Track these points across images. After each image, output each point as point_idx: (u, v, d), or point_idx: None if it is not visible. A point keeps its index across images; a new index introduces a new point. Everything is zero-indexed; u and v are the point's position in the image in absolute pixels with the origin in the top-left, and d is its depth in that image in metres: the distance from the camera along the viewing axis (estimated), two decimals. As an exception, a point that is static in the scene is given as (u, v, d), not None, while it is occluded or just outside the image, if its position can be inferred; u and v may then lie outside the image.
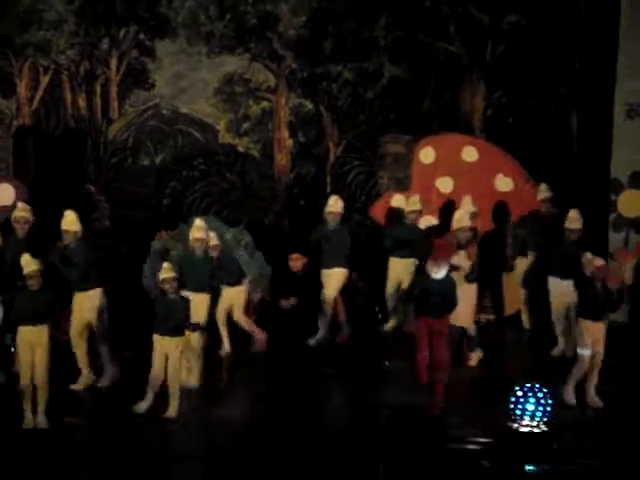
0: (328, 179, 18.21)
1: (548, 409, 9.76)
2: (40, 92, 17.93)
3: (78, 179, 17.41)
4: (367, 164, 18.03)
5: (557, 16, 17.64)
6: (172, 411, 10.68)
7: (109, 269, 13.23)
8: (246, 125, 18.41)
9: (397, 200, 15.54)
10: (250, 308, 14.36)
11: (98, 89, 18.13)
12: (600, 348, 11.09)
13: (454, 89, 18.03)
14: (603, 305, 11.04)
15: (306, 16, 17.96)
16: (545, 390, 9.80)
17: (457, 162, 15.57)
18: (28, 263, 10.67)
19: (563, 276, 13.19)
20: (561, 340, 13.43)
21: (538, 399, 9.76)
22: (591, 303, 10.97)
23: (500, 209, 15.20)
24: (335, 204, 14.25)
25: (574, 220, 13.38)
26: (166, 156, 18.29)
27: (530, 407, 9.73)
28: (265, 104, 18.36)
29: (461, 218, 12.58)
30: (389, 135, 17.09)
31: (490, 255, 13.78)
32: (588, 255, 11.32)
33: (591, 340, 10.98)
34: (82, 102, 18.07)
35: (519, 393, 9.81)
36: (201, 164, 18.18)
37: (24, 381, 10.36)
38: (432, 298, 10.62)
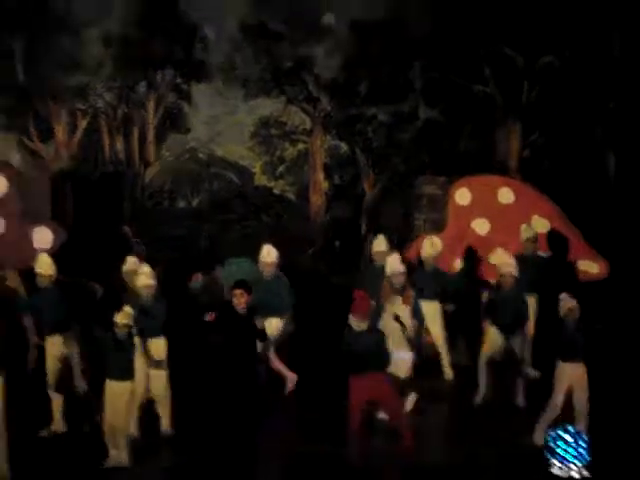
0: (363, 221, 18.19)
1: (582, 452, 9.56)
2: (78, 136, 18.11)
3: (115, 222, 17.51)
4: (402, 205, 18.01)
5: (591, 56, 17.62)
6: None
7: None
8: (282, 167, 18.50)
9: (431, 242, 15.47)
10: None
11: (135, 132, 18.29)
12: (581, 391, 10.74)
13: (489, 130, 18.01)
14: (579, 346, 10.75)
15: (341, 59, 18.06)
16: (576, 432, 9.59)
17: (493, 203, 15.46)
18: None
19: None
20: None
21: (569, 443, 9.57)
22: (567, 344, 10.69)
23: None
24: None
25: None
26: (202, 199, 18.39)
27: (563, 451, 9.55)
28: (301, 146, 18.45)
29: (393, 263, 12.24)
30: (424, 176, 17.07)
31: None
32: (562, 295, 11.11)
33: (568, 384, 10.70)
34: (119, 145, 18.24)
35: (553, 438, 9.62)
36: (237, 206, 18.24)
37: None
38: (359, 354, 10.03)
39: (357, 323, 10.07)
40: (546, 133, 18.02)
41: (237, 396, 10.54)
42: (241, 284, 10.85)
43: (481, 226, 15.31)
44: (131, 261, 12.53)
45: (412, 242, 16.55)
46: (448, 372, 13.51)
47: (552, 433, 9.38)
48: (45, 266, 11.88)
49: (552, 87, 17.88)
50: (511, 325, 12.15)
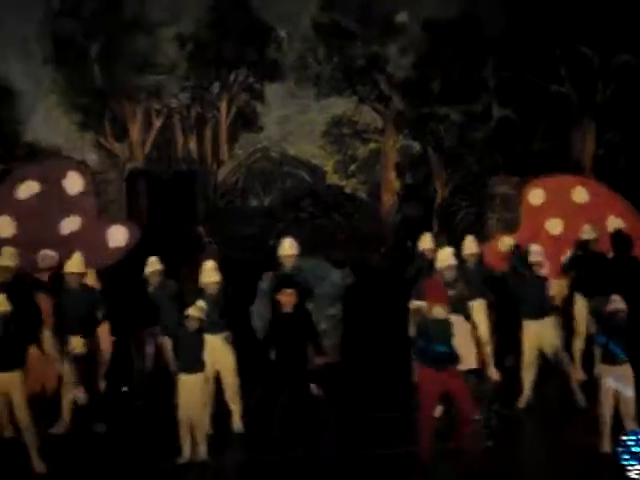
0: (435, 220, 18.12)
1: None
2: (152, 135, 18.31)
3: (188, 220, 17.65)
4: (475, 205, 17.89)
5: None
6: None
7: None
8: (353, 166, 18.51)
9: (505, 242, 15.34)
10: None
11: (208, 132, 18.45)
12: (628, 393, 10.53)
13: (564, 130, 17.81)
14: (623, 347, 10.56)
15: (414, 58, 17.99)
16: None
17: (567, 203, 15.27)
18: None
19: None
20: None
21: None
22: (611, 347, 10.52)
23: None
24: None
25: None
26: (274, 197, 18.48)
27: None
28: (372, 145, 18.45)
29: (445, 256, 12.15)
30: (497, 176, 16.92)
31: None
32: (613, 297, 10.95)
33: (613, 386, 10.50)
34: (193, 145, 18.40)
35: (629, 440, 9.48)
36: (309, 205, 18.28)
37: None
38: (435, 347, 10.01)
39: (437, 311, 10.04)
40: (621, 132, 17.77)
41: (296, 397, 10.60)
42: (290, 283, 10.81)
43: (555, 226, 15.15)
44: (153, 261, 12.67)
45: (485, 242, 16.47)
46: (493, 373, 13.43)
47: (631, 436, 9.25)
48: (78, 265, 12.02)
49: (627, 86, 17.63)
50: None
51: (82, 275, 11.92)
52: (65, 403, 11.60)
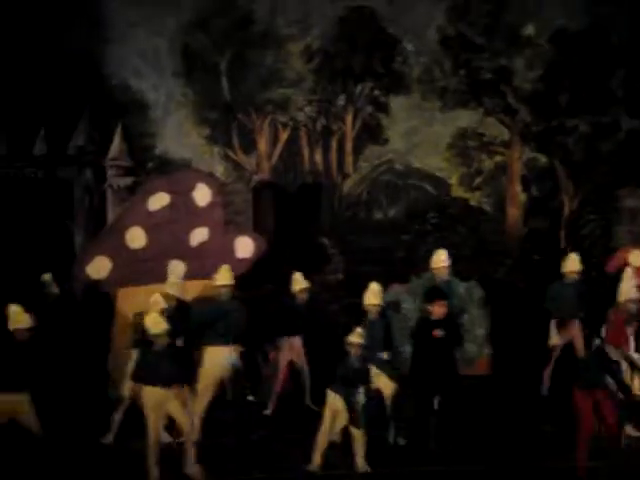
0: (562, 234, 17.87)
1: None
2: (279, 148, 18.52)
3: (313, 232, 17.79)
4: (603, 218, 17.59)
5: None
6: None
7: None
8: (479, 179, 18.36)
9: (635, 256, 15.03)
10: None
11: (334, 145, 18.56)
12: None
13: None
14: None
15: (542, 70, 17.82)
16: None
17: (699, 216, 14.97)
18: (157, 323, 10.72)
19: None
20: None
21: None
22: None
23: None
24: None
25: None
26: (399, 210, 18.46)
27: None
28: (498, 158, 18.28)
29: (628, 288, 11.97)
30: (626, 188, 16.64)
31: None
32: None
33: None
34: (318, 157, 18.53)
35: None
36: (433, 218, 18.22)
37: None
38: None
39: (613, 352, 10.22)
40: None
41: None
42: (441, 294, 10.89)
43: (685, 239, 14.82)
44: (299, 279, 12.93)
45: (612, 255, 16.16)
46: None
47: None
48: (229, 278, 12.33)
49: None
50: None
51: (232, 287, 12.28)
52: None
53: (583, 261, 15.63)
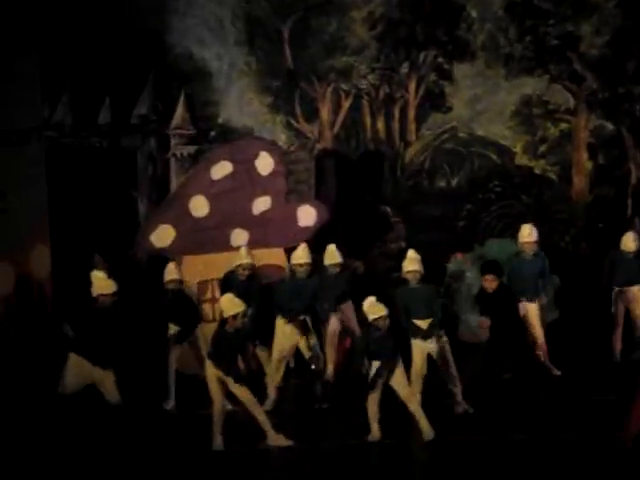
0: (629, 202, 17.63)
1: None
2: (341, 116, 18.46)
3: (375, 201, 17.74)
4: (671, 187, 17.33)
5: None
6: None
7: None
8: (543, 147, 18.15)
9: None
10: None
11: (396, 113, 18.45)
12: None
13: None
14: None
15: (609, 35, 17.51)
16: None
17: None
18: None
19: None
20: None
21: None
22: None
23: None
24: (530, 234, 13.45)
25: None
26: (462, 179, 18.34)
27: None
28: (564, 126, 18.04)
29: None
30: (695, 157, 16.36)
31: None
32: None
33: None
34: (381, 125, 18.45)
35: None
36: (497, 186, 18.08)
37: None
38: None
39: None
40: None
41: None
42: (491, 268, 10.83)
43: None
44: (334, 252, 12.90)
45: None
46: None
47: None
48: (307, 256, 12.35)
49: None
50: None
51: (310, 265, 12.32)
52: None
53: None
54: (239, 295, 11.00)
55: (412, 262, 11.95)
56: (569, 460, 9.93)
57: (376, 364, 10.39)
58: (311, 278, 12.55)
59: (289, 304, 12.30)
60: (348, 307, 13.17)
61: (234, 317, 10.50)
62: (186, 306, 12.56)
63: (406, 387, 10.53)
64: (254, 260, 13.08)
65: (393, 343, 10.49)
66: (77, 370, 11.06)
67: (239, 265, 12.92)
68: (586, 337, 14.31)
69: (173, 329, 12.41)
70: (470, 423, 11.24)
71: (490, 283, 10.76)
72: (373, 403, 10.56)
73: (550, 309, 14.29)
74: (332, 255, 13.03)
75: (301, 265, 12.48)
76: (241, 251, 13.16)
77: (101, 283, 11.31)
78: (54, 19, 17.28)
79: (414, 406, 10.53)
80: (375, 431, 10.59)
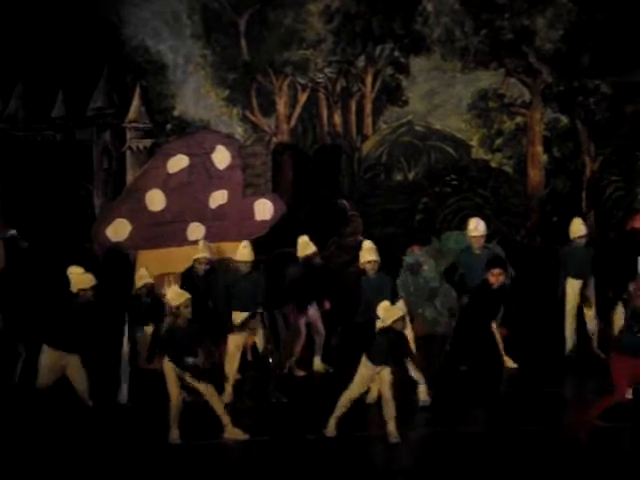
0: (584, 195, 17.77)
1: None
2: (298, 110, 18.44)
3: (332, 194, 17.74)
4: (625, 180, 17.48)
5: None
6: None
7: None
8: (499, 141, 18.25)
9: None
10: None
11: (353, 106, 18.46)
12: None
13: None
14: None
15: (564, 29, 17.63)
16: None
17: None
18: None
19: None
20: None
21: None
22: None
23: None
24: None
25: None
26: (419, 172, 18.39)
27: None
28: (519, 119, 18.15)
29: None
30: (649, 150, 16.53)
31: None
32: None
33: None
34: (338, 119, 18.45)
35: None
36: (453, 180, 18.15)
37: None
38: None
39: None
40: None
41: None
42: (500, 263, 10.89)
43: None
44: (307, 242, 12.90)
45: (634, 216, 16.08)
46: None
47: None
48: (249, 255, 12.33)
49: None
50: None
51: (251, 263, 12.29)
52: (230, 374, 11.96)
53: (604, 222, 15.58)
54: (200, 290, 10.96)
55: (370, 252, 11.98)
56: (525, 452, 9.99)
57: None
58: (259, 273, 12.53)
59: (244, 299, 12.27)
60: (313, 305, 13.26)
61: (179, 307, 10.48)
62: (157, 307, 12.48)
63: (391, 388, 10.47)
64: (212, 254, 13.03)
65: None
66: (50, 362, 11.02)
67: (196, 259, 12.87)
68: (541, 330, 14.39)
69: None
70: (427, 416, 11.27)
71: (497, 277, 10.79)
72: (349, 399, 10.51)
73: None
74: (306, 246, 13.13)
75: (244, 263, 12.45)
76: (199, 245, 13.10)
77: (80, 278, 11.22)
78: (6, 11, 17.10)
79: (391, 408, 10.47)
80: (332, 427, 10.56)
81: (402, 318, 10.33)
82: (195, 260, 12.86)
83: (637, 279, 10.94)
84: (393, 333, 10.31)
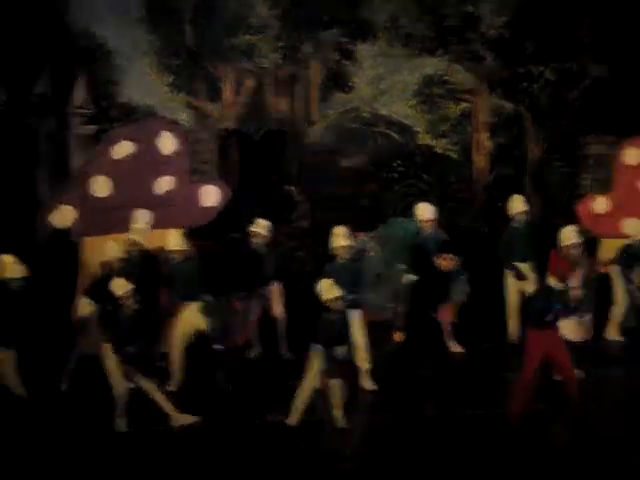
0: (528, 180, 17.94)
1: None
2: (244, 95, 18.41)
3: (279, 180, 17.75)
4: (569, 165, 17.67)
5: None
6: None
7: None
8: (445, 126, 18.37)
9: (599, 202, 15.10)
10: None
11: (299, 92, 18.47)
12: None
13: (661, 88, 17.45)
14: None
15: (508, 16, 17.76)
16: None
17: (664, 164, 15.00)
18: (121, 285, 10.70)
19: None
20: None
21: None
22: None
23: None
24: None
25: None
26: (365, 158, 18.45)
27: None
28: (464, 105, 18.28)
29: (569, 234, 12.04)
30: (592, 136, 16.71)
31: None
32: None
33: None
34: (284, 105, 18.45)
35: None
36: (400, 166, 18.23)
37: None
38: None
39: (555, 283, 10.21)
40: None
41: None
42: (452, 248, 10.95)
43: (651, 187, 14.89)
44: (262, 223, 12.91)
45: (578, 202, 16.25)
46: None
47: None
48: (181, 244, 12.31)
49: None
50: None
51: (182, 251, 12.26)
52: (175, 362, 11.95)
53: (548, 208, 15.74)
54: (131, 277, 10.93)
55: (342, 238, 11.95)
56: (471, 436, 10.10)
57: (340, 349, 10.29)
58: (194, 261, 12.52)
59: (180, 288, 12.25)
60: (272, 289, 13.24)
61: (121, 298, 10.48)
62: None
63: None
64: (143, 240, 12.93)
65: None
66: None
67: (128, 241, 12.78)
68: (486, 315, 14.51)
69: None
70: (375, 401, 11.35)
71: (448, 262, 10.84)
72: (306, 390, 10.51)
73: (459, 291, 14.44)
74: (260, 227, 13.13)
75: (176, 252, 12.42)
76: (131, 229, 13.01)
77: (11, 267, 11.13)
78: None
79: (338, 394, 10.49)
80: (295, 417, 10.55)
81: (338, 298, 10.30)
82: (127, 242, 12.77)
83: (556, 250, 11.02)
84: (333, 313, 10.32)
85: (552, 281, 10.26)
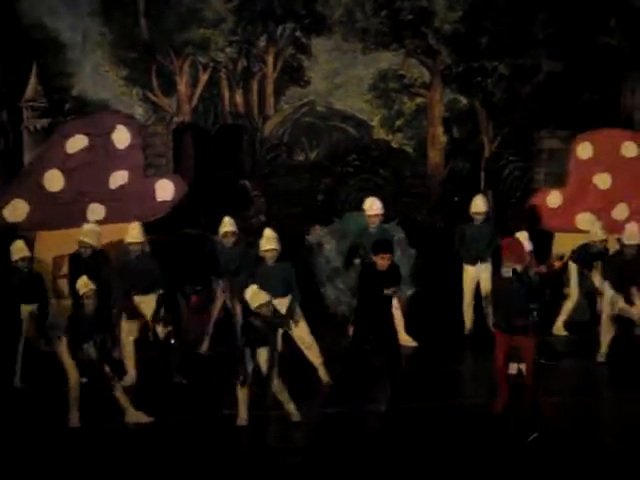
0: (482, 175, 18.03)
1: None
2: (199, 89, 18.33)
3: (235, 175, 17.69)
4: (523, 160, 17.77)
5: None
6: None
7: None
8: (400, 121, 18.41)
9: (553, 197, 15.22)
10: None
11: (255, 86, 18.42)
12: None
13: (614, 83, 17.59)
14: None
15: (462, 11, 17.84)
16: None
17: (616, 158, 15.13)
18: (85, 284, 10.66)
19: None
20: None
21: None
22: None
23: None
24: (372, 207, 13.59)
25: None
26: (320, 152, 18.45)
27: None
28: (419, 100, 18.32)
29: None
30: (546, 130, 16.78)
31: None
32: None
33: None
34: (239, 99, 18.39)
35: None
36: (355, 160, 18.26)
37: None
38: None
39: (509, 266, 10.18)
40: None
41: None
42: (386, 248, 10.92)
43: (603, 181, 15.03)
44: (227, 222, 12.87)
45: (532, 196, 16.38)
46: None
47: None
48: (138, 236, 12.23)
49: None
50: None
51: (142, 244, 12.18)
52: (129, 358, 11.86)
53: (502, 202, 15.84)
54: (86, 273, 10.85)
55: (269, 241, 11.86)
56: (425, 429, 10.14)
57: (262, 352, 10.19)
58: (150, 255, 12.45)
59: (138, 281, 12.16)
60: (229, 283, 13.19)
61: (82, 296, 10.46)
62: (37, 284, 12.29)
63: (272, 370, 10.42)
64: (98, 237, 12.81)
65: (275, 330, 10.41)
66: None
67: (80, 243, 12.64)
68: (440, 309, 14.57)
69: (26, 309, 12.10)
70: (329, 395, 11.35)
71: (384, 261, 10.83)
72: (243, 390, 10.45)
73: (408, 283, 14.43)
74: (226, 224, 13.08)
75: (136, 244, 12.33)
76: (83, 228, 12.88)
77: None
78: None
79: (284, 393, 10.45)
80: (243, 416, 10.50)
81: (267, 303, 10.21)
82: (79, 243, 12.65)
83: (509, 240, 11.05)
84: (261, 319, 10.20)
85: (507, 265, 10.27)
